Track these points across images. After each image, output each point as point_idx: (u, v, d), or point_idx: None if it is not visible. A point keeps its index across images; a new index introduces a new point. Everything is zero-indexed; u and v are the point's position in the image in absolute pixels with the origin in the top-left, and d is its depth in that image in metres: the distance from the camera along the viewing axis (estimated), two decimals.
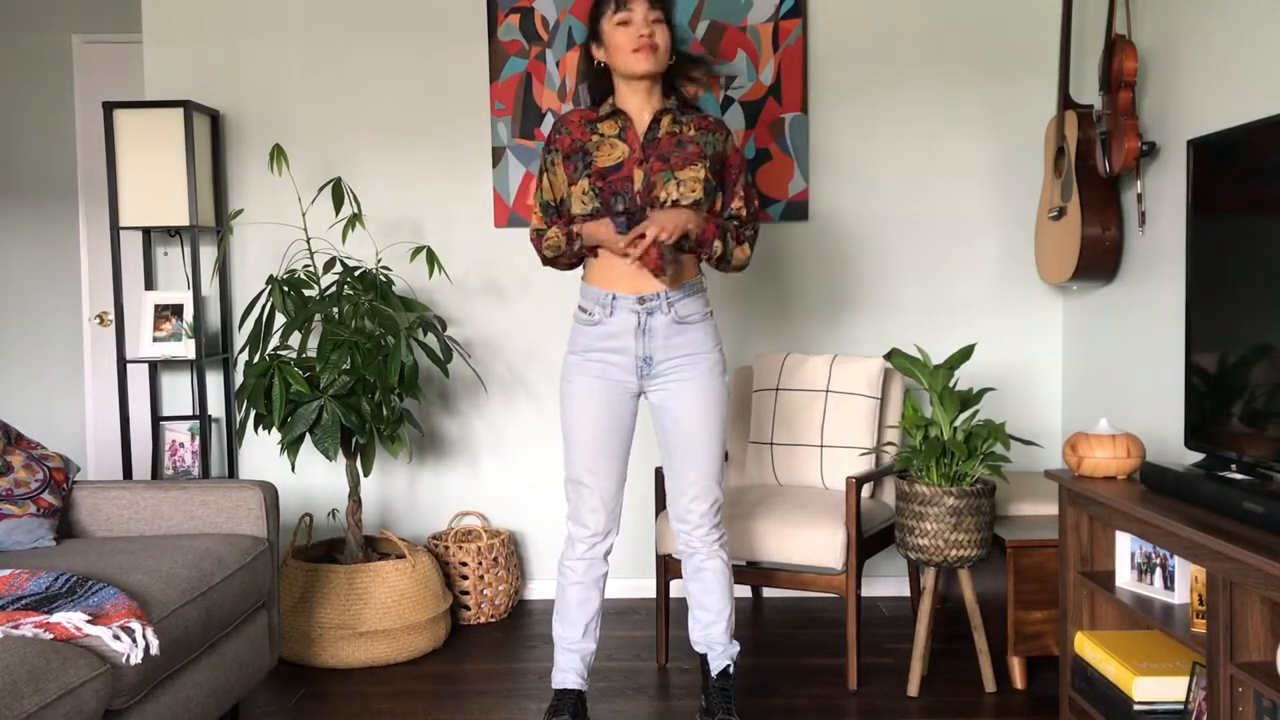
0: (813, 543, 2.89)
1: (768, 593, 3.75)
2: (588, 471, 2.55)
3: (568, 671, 2.64)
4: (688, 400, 2.52)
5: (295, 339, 3.32)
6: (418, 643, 3.21)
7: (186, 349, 3.56)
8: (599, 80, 2.54)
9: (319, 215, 3.49)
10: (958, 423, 2.85)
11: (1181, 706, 2.21)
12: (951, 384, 2.85)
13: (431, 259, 3.35)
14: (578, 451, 2.56)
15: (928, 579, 2.90)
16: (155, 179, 3.49)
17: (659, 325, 2.48)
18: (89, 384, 4.67)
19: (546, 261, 2.60)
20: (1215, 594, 1.94)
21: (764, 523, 2.95)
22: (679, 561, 3.04)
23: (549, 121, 3.66)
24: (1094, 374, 3.46)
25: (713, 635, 2.66)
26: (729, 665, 2.67)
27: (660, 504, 3.15)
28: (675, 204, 2.44)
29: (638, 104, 2.50)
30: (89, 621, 1.96)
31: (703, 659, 2.71)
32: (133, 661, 1.98)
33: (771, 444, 3.31)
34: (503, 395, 3.76)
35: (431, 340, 3.36)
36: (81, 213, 4.65)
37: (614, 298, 2.49)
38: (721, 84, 3.64)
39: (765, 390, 3.35)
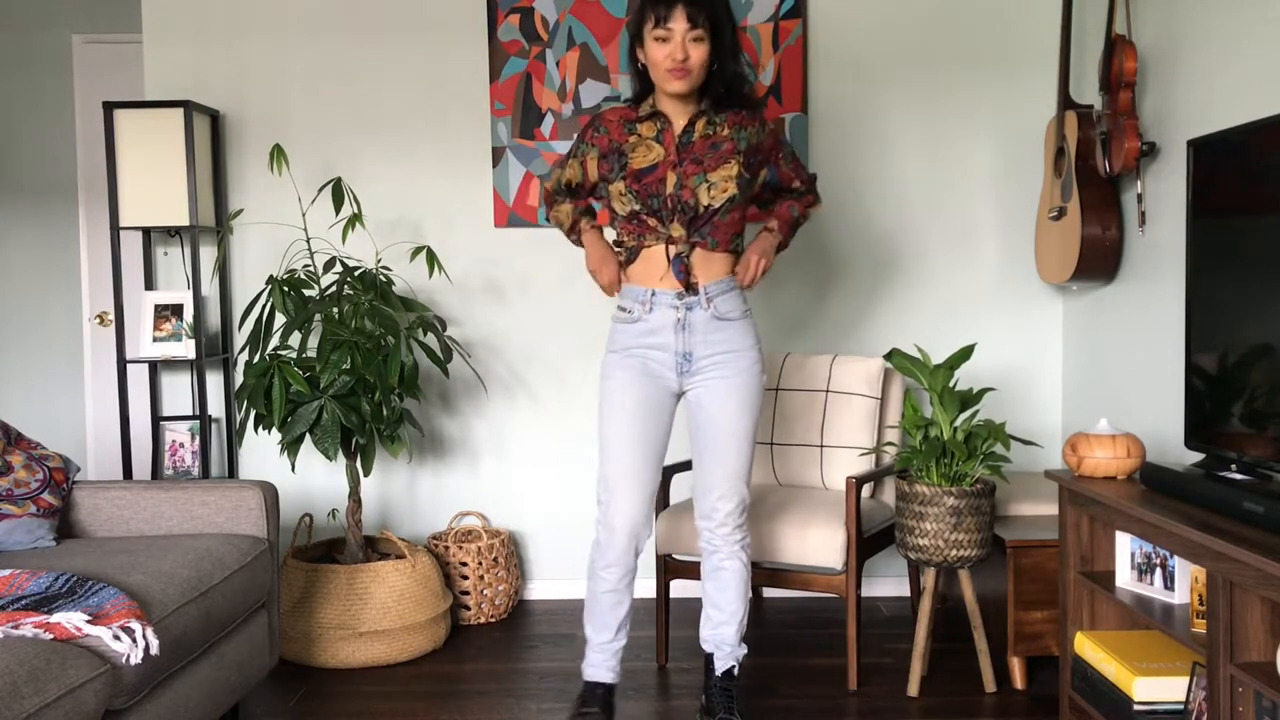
0: (813, 543, 2.89)
1: (768, 593, 3.75)
2: (621, 469, 2.52)
3: (599, 666, 2.65)
4: (723, 396, 2.51)
5: (295, 339, 3.32)
6: (418, 643, 3.21)
7: (186, 349, 3.56)
8: (642, 79, 2.55)
9: (319, 215, 3.49)
10: (958, 423, 2.85)
11: (1181, 706, 2.21)
12: (951, 384, 2.85)
13: (431, 259, 3.35)
14: (612, 449, 2.53)
15: (928, 579, 2.90)
16: (155, 179, 3.49)
17: (698, 321, 2.49)
18: (89, 384, 4.67)
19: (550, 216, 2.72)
20: (1215, 594, 1.94)
21: (765, 522, 2.95)
22: (679, 562, 3.05)
23: (549, 121, 3.66)
24: (1094, 374, 3.46)
25: (723, 635, 2.66)
26: (734, 666, 2.67)
27: (662, 504, 3.15)
28: (708, 208, 2.46)
29: (675, 108, 2.52)
30: (89, 621, 1.96)
31: (708, 657, 2.71)
32: (133, 661, 1.98)
33: (771, 444, 3.31)
34: (503, 395, 3.76)
35: (431, 340, 3.36)
36: (81, 213, 4.65)
37: (653, 294, 2.50)
38: None
39: (766, 390, 3.35)
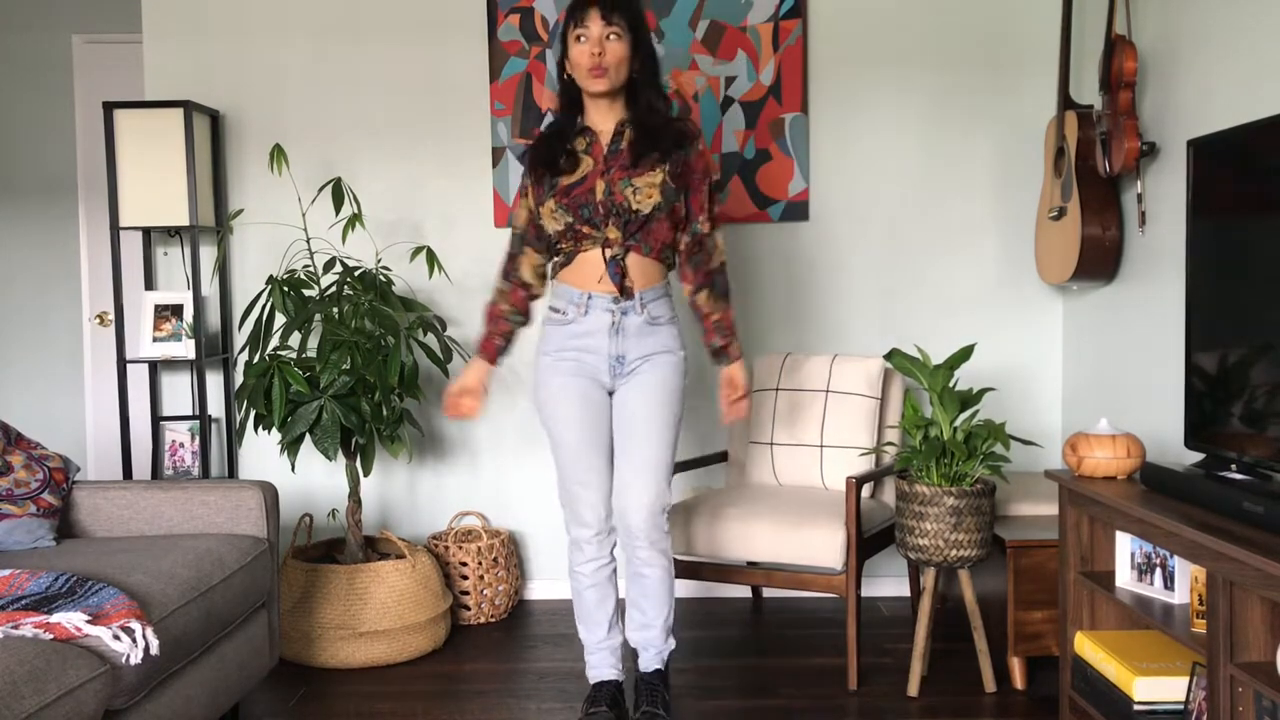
0: (813, 543, 2.88)
1: (768, 593, 3.75)
2: (583, 469, 2.58)
3: (600, 666, 2.69)
4: (642, 394, 2.55)
5: (295, 339, 3.32)
6: (418, 643, 3.21)
7: (186, 349, 3.56)
8: (570, 92, 2.58)
9: (319, 215, 3.49)
10: (958, 423, 2.85)
11: (1181, 706, 2.21)
12: (951, 384, 2.85)
13: (431, 259, 3.36)
14: (568, 452, 2.59)
15: (928, 579, 2.90)
16: (155, 179, 3.49)
17: (632, 325, 2.54)
18: (89, 384, 4.67)
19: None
20: (1215, 594, 1.94)
21: (764, 523, 2.95)
22: (680, 563, 3.04)
23: (549, 121, 3.66)
24: (1094, 374, 3.46)
25: (648, 637, 2.68)
26: (661, 667, 2.70)
27: None
28: (635, 211, 2.49)
29: (601, 117, 2.56)
30: (89, 621, 1.96)
31: (634, 652, 2.74)
32: (133, 661, 1.98)
33: (771, 444, 3.31)
34: (502, 395, 3.76)
35: (431, 340, 3.36)
36: (81, 213, 4.65)
37: (589, 297, 2.54)
38: (722, 84, 3.64)
39: (765, 390, 3.35)
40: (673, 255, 2.62)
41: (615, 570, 2.67)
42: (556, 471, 2.63)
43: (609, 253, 2.52)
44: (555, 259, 2.62)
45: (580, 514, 2.61)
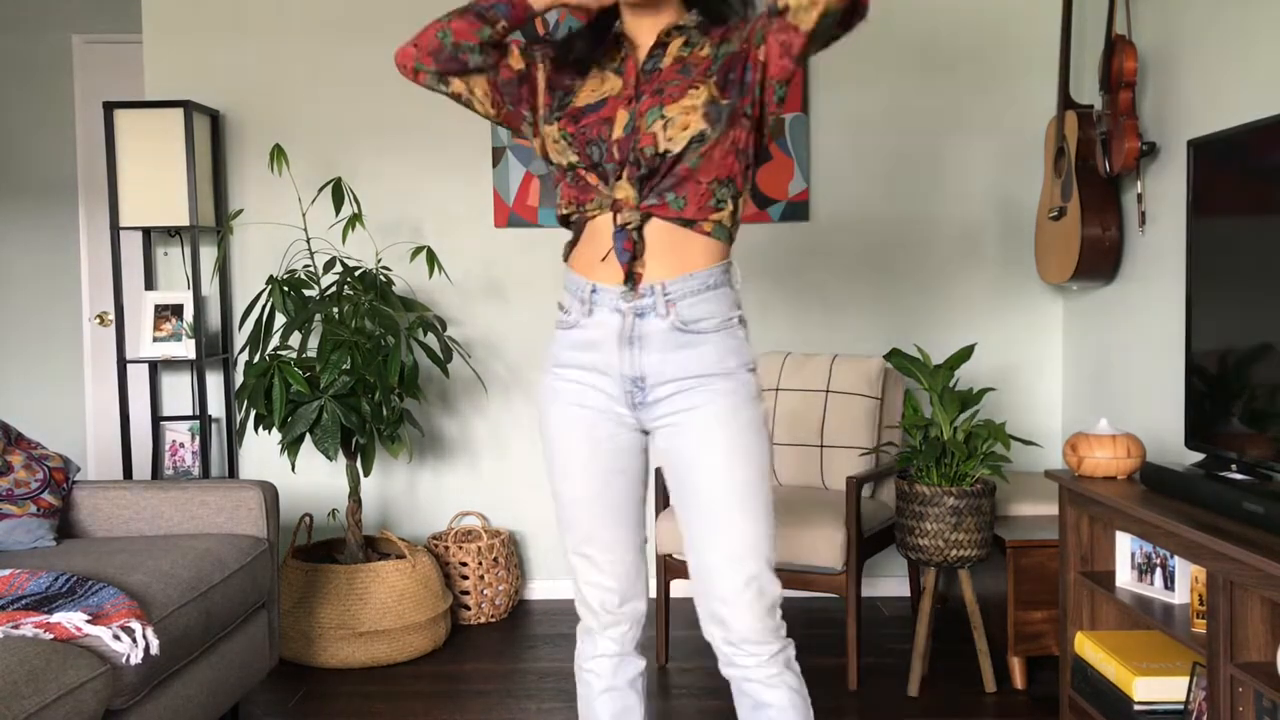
0: (813, 543, 2.89)
1: None
2: (585, 538, 1.81)
3: None
4: (698, 440, 1.70)
5: (295, 339, 3.32)
6: (418, 643, 3.21)
7: (186, 349, 3.56)
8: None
9: (319, 215, 3.49)
10: (958, 423, 2.85)
11: (1181, 706, 2.21)
12: (951, 384, 2.85)
13: (431, 259, 3.36)
14: (570, 511, 1.82)
15: (928, 579, 2.90)
16: (155, 179, 3.49)
17: (653, 332, 1.70)
18: (89, 384, 4.67)
19: (415, 71, 1.94)
20: (1215, 594, 1.94)
21: None
22: (680, 561, 3.04)
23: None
24: (1094, 374, 3.46)
25: None
26: None
27: (661, 502, 3.14)
28: (665, 154, 1.66)
29: (641, 26, 1.77)
30: (89, 621, 1.96)
31: None
32: (133, 661, 1.98)
33: (771, 444, 3.31)
34: (502, 395, 3.76)
35: (431, 340, 3.36)
36: (81, 213, 4.65)
37: (594, 290, 1.73)
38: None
39: (765, 390, 3.35)
40: (730, 215, 1.72)
41: (643, 674, 1.89)
42: (560, 533, 1.86)
43: (620, 218, 1.69)
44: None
45: (584, 595, 1.84)
